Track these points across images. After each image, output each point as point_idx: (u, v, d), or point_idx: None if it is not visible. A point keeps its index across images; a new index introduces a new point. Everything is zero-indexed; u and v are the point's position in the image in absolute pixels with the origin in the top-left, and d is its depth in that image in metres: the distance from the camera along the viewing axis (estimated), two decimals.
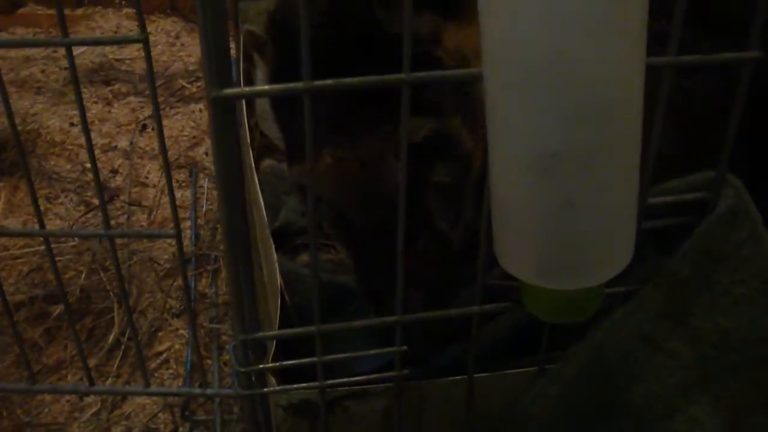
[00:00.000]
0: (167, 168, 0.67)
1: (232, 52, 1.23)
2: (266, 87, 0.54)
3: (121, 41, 0.65)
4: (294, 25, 0.72)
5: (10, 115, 0.69)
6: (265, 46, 0.95)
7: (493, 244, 0.58)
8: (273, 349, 0.73)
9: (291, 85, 0.54)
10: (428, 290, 0.86)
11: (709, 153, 0.67)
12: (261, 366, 0.70)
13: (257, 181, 0.97)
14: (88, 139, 0.68)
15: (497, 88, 0.50)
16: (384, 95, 0.63)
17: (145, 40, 0.62)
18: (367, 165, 0.85)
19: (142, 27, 0.63)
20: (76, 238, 1.55)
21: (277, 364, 0.70)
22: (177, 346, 1.34)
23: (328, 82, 0.54)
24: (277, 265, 0.87)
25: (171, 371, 1.30)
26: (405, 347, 0.70)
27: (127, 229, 1.54)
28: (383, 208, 0.85)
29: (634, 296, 0.69)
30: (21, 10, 2.69)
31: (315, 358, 0.69)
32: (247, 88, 0.54)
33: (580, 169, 0.49)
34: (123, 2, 2.62)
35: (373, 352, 0.71)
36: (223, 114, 0.56)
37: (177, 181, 1.77)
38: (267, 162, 1.39)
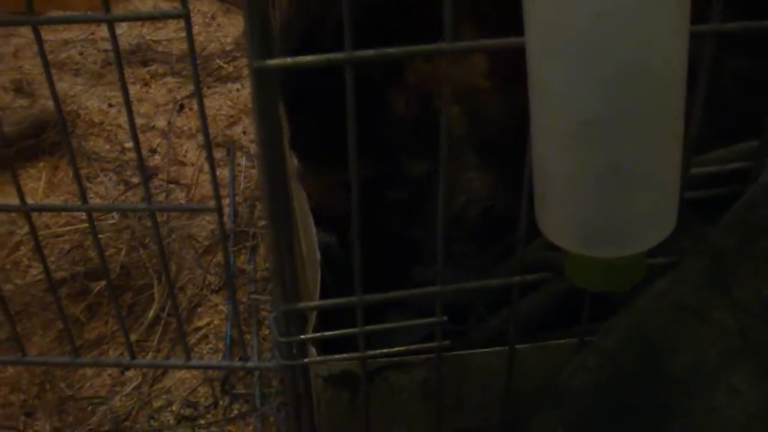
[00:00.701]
0: (208, 144, 0.67)
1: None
2: (308, 57, 0.54)
3: (163, 17, 0.66)
4: None
5: (55, 97, 0.70)
6: None
7: (536, 214, 0.58)
8: (314, 321, 0.74)
9: (332, 55, 0.54)
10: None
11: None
12: (303, 336, 0.70)
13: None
14: (131, 117, 0.69)
15: (538, 56, 0.50)
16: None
17: (186, 15, 0.63)
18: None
19: (183, 3, 0.63)
20: (115, 216, 1.57)
21: (319, 334, 0.71)
22: (216, 322, 1.35)
23: (370, 52, 0.54)
24: (316, 238, 0.88)
25: (210, 346, 1.32)
26: (445, 318, 0.71)
27: (167, 216, 1.56)
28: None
29: (677, 267, 0.68)
30: None
31: (356, 329, 0.70)
32: (289, 59, 0.55)
33: (624, 135, 0.49)
34: None
35: (413, 322, 0.71)
36: (266, 85, 0.56)
37: (215, 160, 1.78)
38: None
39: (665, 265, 0.69)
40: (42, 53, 0.68)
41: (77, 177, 0.74)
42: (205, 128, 0.65)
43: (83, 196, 0.75)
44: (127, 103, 0.69)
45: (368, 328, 0.69)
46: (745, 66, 0.84)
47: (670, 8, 0.46)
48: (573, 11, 0.46)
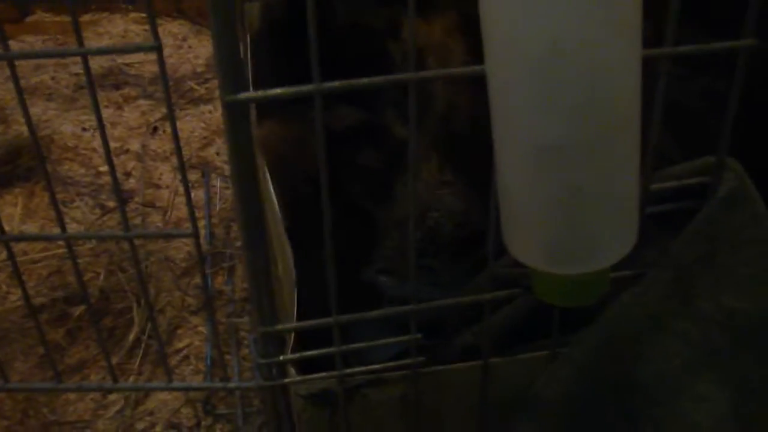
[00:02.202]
0: (183, 170, 0.69)
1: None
2: (278, 90, 0.56)
3: (135, 50, 0.68)
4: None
5: (29, 122, 0.71)
6: None
7: (502, 233, 0.60)
8: (292, 341, 0.75)
9: (302, 87, 0.56)
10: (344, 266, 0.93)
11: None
12: (282, 357, 0.72)
13: (269, 178, 0.99)
14: (106, 145, 0.71)
15: (499, 84, 0.52)
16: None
17: (158, 48, 0.64)
18: (292, 146, 0.93)
19: (155, 35, 0.65)
20: (93, 241, 1.58)
21: (297, 355, 0.73)
22: (196, 343, 1.37)
23: (336, 84, 0.56)
24: (292, 261, 0.89)
25: (191, 367, 1.33)
26: (419, 335, 0.73)
27: (146, 230, 1.57)
28: (304, 184, 0.92)
29: (641, 279, 0.71)
30: (29, 18, 2.71)
31: (333, 348, 0.72)
32: (259, 92, 0.56)
33: (583, 159, 0.51)
34: (130, 7, 2.64)
35: (388, 341, 0.73)
36: (237, 117, 0.58)
37: (190, 182, 1.80)
38: None
39: (630, 277, 0.71)
40: (17, 86, 0.70)
41: (55, 205, 0.75)
42: (179, 155, 0.67)
43: (62, 224, 0.76)
44: (103, 134, 0.70)
45: (345, 347, 0.71)
46: (710, 83, 0.86)
47: (622, 38, 0.49)
48: (529, 43, 0.48)
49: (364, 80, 0.57)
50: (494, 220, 0.64)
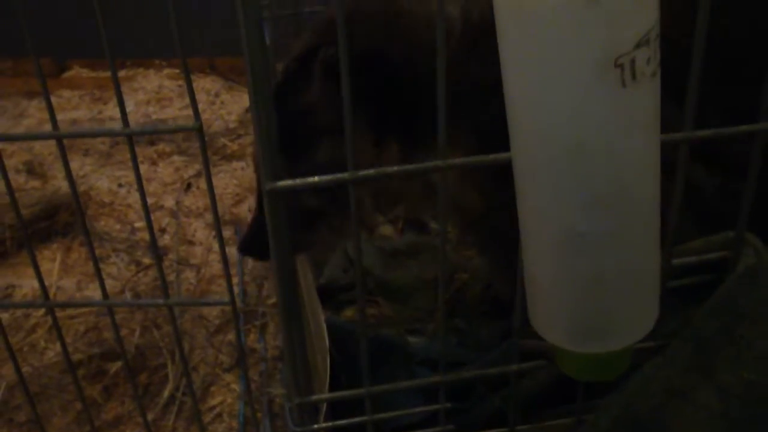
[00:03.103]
0: (219, 233, 0.73)
1: None
2: (316, 178, 0.60)
3: (178, 130, 0.72)
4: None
5: (71, 181, 0.75)
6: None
7: (527, 309, 0.63)
8: (325, 407, 0.78)
9: (338, 175, 0.60)
10: None
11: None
12: (316, 426, 0.75)
13: None
14: (146, 207, 0.74)
15: (524, 175, 0.55)
16: None
17: (199, 129, 0.68)
18: None
19: (196, 114, 0.69)
20: (128, 296, 1.62)
21: (331, 423, 0.75)
22: (229, 400, 1.39)
23: (371, 171, 0.59)
24: (324, 325, 0.92)
25: (224, 425, 1.35)
26: (448, 404, 0.75)
27: (177, 290, 1.61)
28: None
29: (664, 351, 0.73)
30: (66, 74, 2.79)
31: (366, 417, 0.75)
32: (299, 180, 0.60)
33: (605, 247, 0.54)
34: (164, 63, 2.71)
35: (418, 410, 0.76)
36: (278, 200, 0.61)
37: (222, 239, 1.83)
38: None
39: (653, 348, 0.74)
40: (66, 164, 0.74)
41: (96, 268, 0.79)
42: (215, 211, 0.70)
43: (104, 290, 0.80)
44: (144, 204, 0.74)
45: (376, 417, 0.74)
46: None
47: (641, 135, 0.52)
48: (555, 142, 0.51)
49: (394, 168, 0.60)
50: (520, 293, 0.67)
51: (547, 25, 0.47)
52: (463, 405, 0.96)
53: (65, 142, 0.74)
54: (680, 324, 0.73)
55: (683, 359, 0.72)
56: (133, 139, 0.71)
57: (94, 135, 0.76)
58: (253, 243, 1.11)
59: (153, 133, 0.66)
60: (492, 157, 0.62)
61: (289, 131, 0.87)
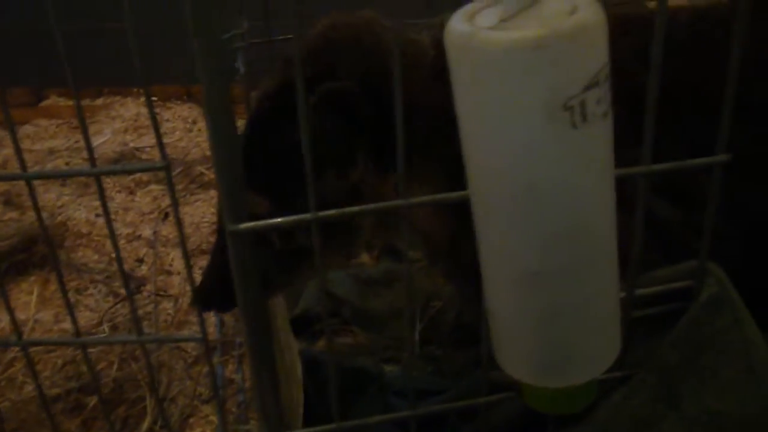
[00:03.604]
0: (189, 271, 0.73)
1: None
2: (278, 220, 0.60)
3: (145, 169, 0.72)
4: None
5: (40, 218, 0.75)
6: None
7: (492, 345, 0.63)
8: None
9: (299, 217, 0.60)
10: None
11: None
12: None
13: None
14: (114, 240, 0.74)
15: (481, 212, 0.56)
16: None
17: (166, 167, 0.69)
18: None
19: (163, 154, 0.69)
20: (106, 329, 1.62)
21: None
22: None
23: (332, 212, 0.60)
24: (298, 357, 0.93)
25: None
26: None
27: (153, 328, 1.61)
28: None
29: (630, 381, 0.74)
30: (44, 103, 2.79)
31: None
32: (261, 222, 0.60)
33: (561, 283, 0.55)
34: (141, 91, 2.71)
35: None
36: (241, 242, 0.61)
37: (200, 268, 1.83)
38: None
39: (620, 378, 0.74)
40: (35, 205, 0.74)
41: (69, 307, 0.79)
42: (183, 244, 0.71)
43: (75, 325, 0.80)
44: (109, 225, 0.74)
45: None
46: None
47: (594, 174, 0.52)
48: (506, 181, 0.52)
49: (356, 208, 0.60)
50: (485, 326, 0.67)
51: (496, 68, 0.47)
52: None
53: (40, 170, 0.74)
54: (646, 353, 0.74)
55: (649, 389, 0.73)
56: (101, 180, 0.72)
57: (60, 176, 0.76)
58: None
59: (120, 173, 0.66)
60: (456, 194, 0.62)
61: (285, 166, 0.86)
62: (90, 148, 0.70)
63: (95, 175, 0.72)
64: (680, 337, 0.71)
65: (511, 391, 0.75)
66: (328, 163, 0.89)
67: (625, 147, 0.57)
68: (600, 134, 0.51)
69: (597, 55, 0.48)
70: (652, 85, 0.61)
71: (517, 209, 0.52)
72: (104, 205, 0.72)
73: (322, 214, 0.60)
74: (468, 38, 0.48)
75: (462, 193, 0.59)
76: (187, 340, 0.81)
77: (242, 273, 0.62)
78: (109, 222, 0.73)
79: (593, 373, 0.60)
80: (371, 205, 0.61)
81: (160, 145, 0.68)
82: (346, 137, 0.89)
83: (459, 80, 0.51)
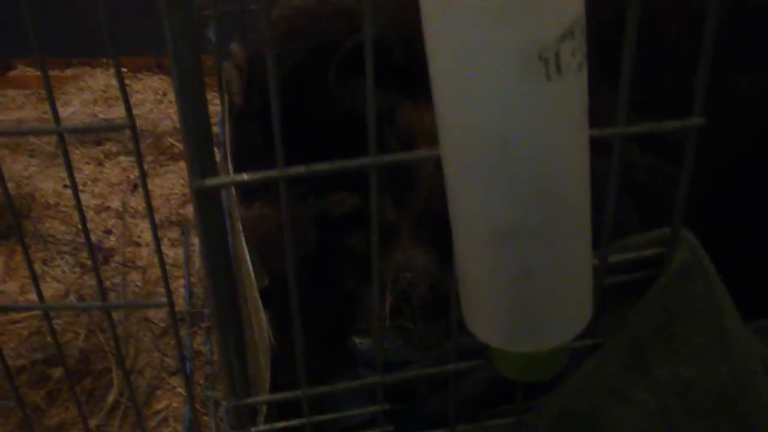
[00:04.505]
0: (156, 239, 0.71)
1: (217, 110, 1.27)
2: (245, 176, 0.58)
3: (110, 129, 0.70)
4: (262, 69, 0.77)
5: (2, 184, 0.73)
6: (242, 70, 1.01)
7: (462, 310, 0.62)
8: (265, 411, 0.77)
9: (267, 173, 0.59)
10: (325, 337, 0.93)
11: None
12: (253, 429, 0.74)
13: (244, 243, 1.01)
14: (81, 211, 0.73)
15: (451, 170, 0.54)
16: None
17: (132, 126, 0.67)
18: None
19: (129, 112, 0.67)
20: (73, 300, 1.60)
21: (268, 426, 0.74)
22: (175, 404, 1.38)
23: (301, 169, 0.58)
24: (266, 325, 0.91)
25: (170, 429, 1.34)
26: (387, 406, 0.74)
27: (122, 292, 1.58)
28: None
29: (601, 349, 0.73)
30: (11, 73, 2.75)
31: (303, 419, 0.74)
32: (227, 178, 0.59)
33: (533, 244, 0.53)
34: (111, 62, 2.67)
35: (358, 411, 0.75)
36: (207, 201, 0.60)
37: (169, 239, 1.82)
38: None
39: (590, 346, 0.74)
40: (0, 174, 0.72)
41: (32, 274, 0.77)
42: (152, 219, 0.69)
43: (39, 293, 0.78)
44: (77, 200, 0.72)
45: (314, 419, 0.73)
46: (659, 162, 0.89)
47: (569, 130, 0.51)
48: (479, 137, 0.50)
49: (325, 165, 0.59)
50: (455, 292, 0.66)
51: (469, 17, 0.46)
52: (405, 406, 0.95)
53: (9, 142, 0.72)
54: (618, 322, 0.73)
55: (620, 357, 0.72)
56: (65, 138, 0.69)
57: (22, 134, 0.74)
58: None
59: (85, 131, 0.64)
60: (427, 153, 0.61)
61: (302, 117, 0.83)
62: (53, 106, 0.68)
63: (59, 133, 0.70)
64: (651, 304, 0.71)
65: (480, 359, 0.74)
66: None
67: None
68: (575, 87, 0.49)
69: (572, 5, 0.47)
70: (629, 44, 0.60)
71: (490, 166, 0.51)
72: (69, 168, 0.71)
73: (291, 171, 0.58)
74: None
75: (436, 152, 0.58)
76: (152, 305, 0.79)
77: (207, 231, 0.60)
78: (74, 187, 0.71)
79: (564, 338, 0.59)
80: (339, 162, 0.59)
81: (126, 104, 0.66)
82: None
83: (431, 30, 0.49)
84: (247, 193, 0.98)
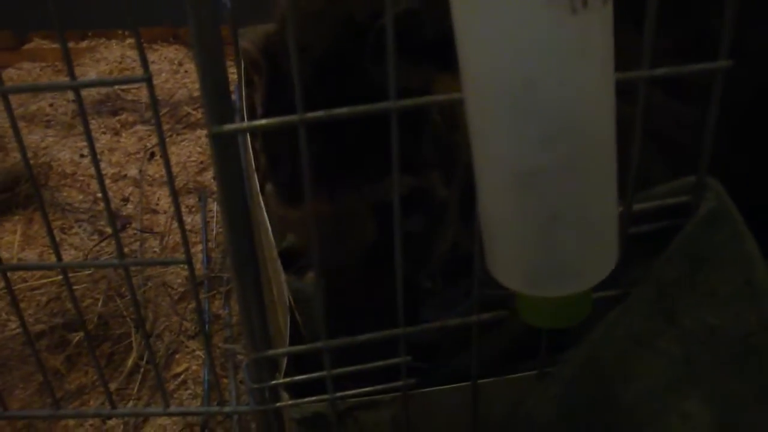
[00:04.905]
0: (175, 199, 0.71)
1: (234, 78, 1.26)
2: (263, 121, 0.58)
3: (127, 81, 0.69)
4: (286, 58, 0.75)
5: (23, 150, 0.73)
6: (260, 67, 0.99)
7: (485, 258, 0.61)
8: (285, 365, 0.76)
9: (286, 118, 0.58)
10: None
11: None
12: (273, 382, 0.73)
13: (263, 205, 1.01)
14: (99, 175, 0.72)
15: (476, 113, 0.53)
16: (367, 152, 0.69)
17: (148, 80, 0.66)
18: (341, 221, 0.94)
19: (145, 66, 0.66)
20: (91, 267, 1.60)
21: (288, 379, 0.74)
22: (194, 367, 1.38)
23: (320, 113, 0.57)
24: (285, 284, 0.90)
25: (189, 392, 1.34)
26: (409, 357, 0.74)
27: (140, 258, 1.58)
28: (351, 259, 0.95)
29: (626, 298, 0.72)
30: (27, 46, 2.75)
31: (324, 372, 0.73)
32: (245, 123, 0.58)
33: (558, 185, 0.53)
34: (126, 33, 2.66)
35: (377, 364, 0.74)
36: (225, 148, 0.59)
37: (187, 207, 1.81)
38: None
39: (615, 297, 0.73)
40: (12, 119, 0.71)
41: (50, 233, 0.77)
42: (171, 185, 0.68)
43: (57, 253, 0.78)
44: (96, 164, 0.72)
45: (335, 371, 0.73)
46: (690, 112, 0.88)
47: (594, 71, 0.50)
48: (502, 79, 0.49)
49: (344, 110, 0.58)
50: (480, 244, 0.65)
51: None
52: (428, 362, 0.95)
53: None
54: (642, 271, 0.72)
55: (645, 306, 0.71)
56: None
57: (39, 89, 0.73)
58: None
59: (101, 85, 0.63)
60: (448, 96, 0.60)
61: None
62: (71, 66, 0.67)
63: (75, 87, 0.69)
64: (677, 252, 0.70)
65: (504, 309, 0.73)
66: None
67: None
68: (600, 22, 0.48)
69: None
70: None
71: (514, 107, 0.50)
72: (85, 121, 0.70)
73: (309, 115, 0.57)
74: None
75: (459, 95, 0.57)
76: (169, 263, 0.79)
77: (225, 176, 0.60)
78: (93, 150, 0.71)
79: (590, 282, 0.58)
80: (360, 107, 0.59)
81: (143, 57, 0.65)
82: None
83: None
84: (293, 195, 0.96)
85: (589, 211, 0.55)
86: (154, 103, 0.67)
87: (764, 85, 0.91)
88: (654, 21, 0.60)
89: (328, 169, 0.88)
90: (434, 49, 0.86)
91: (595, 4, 0.47)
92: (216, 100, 0.58)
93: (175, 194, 0.71)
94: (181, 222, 0.72)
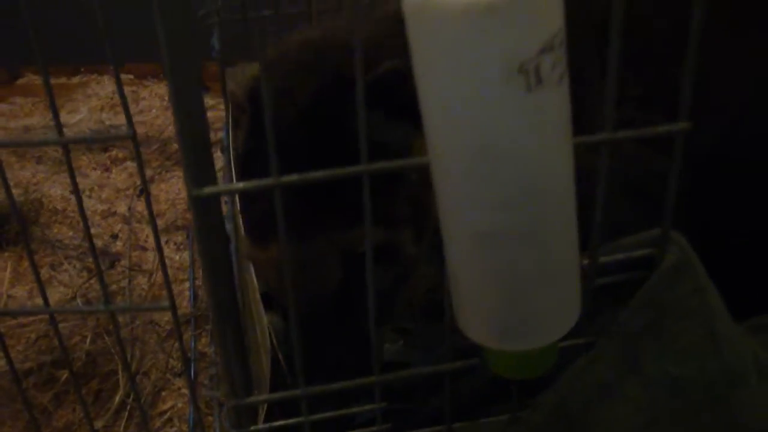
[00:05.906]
0: (158, 243, 0.73)
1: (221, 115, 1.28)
2: (240, 184, 0.60)
3: (111, 138, 0.72)
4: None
5: (8, 190, 0.75)
6: (244, 110, 1.02)
7: (453, 309, 0.64)
8: (265, 410, 0.79)
9: (263, 181, 0.60)
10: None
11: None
12: (252, 428, 0.76)
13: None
14: (85, 220, 0.74)
15: (438, 175, 0.56)
16: (341, 199, 0.71)
17: (132, 137, 0.68)
18: (307, 267, 0.95)
19: (129, 123, 0.69)
20: (80, 303, 1.62)
21: (267, 425, 0.76)
22: (180, 405, 1.40)
23: (294, 177, 0.60)
24: (267, 328, 0.93)
25: (175, 429, 1.36)
26: (383, 404, 0.76)
27: (128, 296, 1.60)
28: (314, 305, 0.96)
29: (593, 346, 0.75)
30: (20, 81, 2.77)
31: (302, 418, 0.75)
32: (224, 186, 0.61)
33: (518, 245, 0.55)
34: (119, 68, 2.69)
35: (354, 410, 0.77)
36: (205, 209, 0.61)
37: (175, 244, 1.84)
38: None
39: (583, 345, 0.75)
40: (4, 180, 0.73)
41: (37, 278, 0.79)
42: (155, 229, 0.71)
43: (45, 298, 0.80)
44: (81, 207, 0.74)
45: (313, 418, 0.75)
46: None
47: (550, 137, 0.53)
48: (461, 143, 0.52)
49: (319, 173, 0.61)
50: (448, 294, 0.68)
51: (450, 30, 0.48)
52: (404, 406, 0.97)
53: (17, 149, 0.74)
54: (609, 320, 0.75)
55: (612, 354, 0.73)
56: (69, 147, 0.71)
57: (28, 145, 0.76)
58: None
59: (86, 142, 0.65)
60: (418, 160, 0.62)
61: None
62: (57, 117, 0.70)
63: (63, 144, 0.71)
64: (642, 303, 0.72)
65: (474, 357, 0.76)
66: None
67: None
68: (555, 98, 0.51)
69: (551, 20, 0.49)
70: (613, 52, 0.61)
71: (471, 170, 0.53)
72: (72, 176, 0.72)
73: (284, 179, 0.60)
74: (423, 3, 0.48)
75: (425, 159, 0.59)
76: (155, 308, 0.81)
77: (205, 239, 0.62)
78: (77, 193, 0.73)
79: (553, 337, 0.61)
80: (333, 170, 0.61)
81: (127, 114, 0.67)
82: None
83: (416, 44, 0.51)
84: (262, 235, 0.98)
85: (549, 268, 0.58)
86: (140, 161, 0.70)
87: (726, 138, 0.94)
88: (615, 84, 0.63)
89: (299, 212, 0.89)
90: (416, 108, 0.89)
91: (550, 81, 0.50)
92: (195, 161, 0.59)
93: (158, 240, 0.74)
94: (164, 268, 0.74)
